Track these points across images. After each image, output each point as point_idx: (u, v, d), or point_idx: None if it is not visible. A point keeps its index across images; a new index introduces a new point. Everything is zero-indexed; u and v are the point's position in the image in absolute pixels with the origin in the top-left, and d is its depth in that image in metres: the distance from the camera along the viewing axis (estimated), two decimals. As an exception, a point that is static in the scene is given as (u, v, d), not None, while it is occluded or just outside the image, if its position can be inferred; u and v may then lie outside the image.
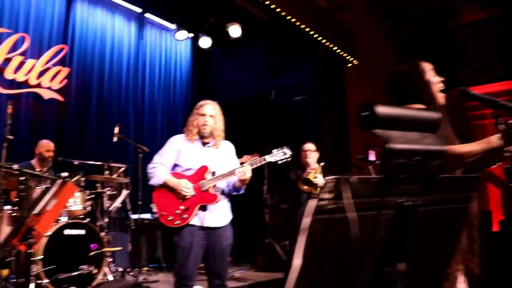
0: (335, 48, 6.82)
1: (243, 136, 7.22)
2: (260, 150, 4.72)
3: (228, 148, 3.57)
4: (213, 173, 3.34)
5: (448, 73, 8.76)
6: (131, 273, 5.24)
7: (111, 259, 5.15)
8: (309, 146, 5.06)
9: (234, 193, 3.46)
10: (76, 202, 4.70)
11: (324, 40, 6.51)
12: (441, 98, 2.25)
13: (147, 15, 7.72)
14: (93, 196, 5.16)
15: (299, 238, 0.99)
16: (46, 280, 3.96)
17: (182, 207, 3.28)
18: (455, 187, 1.25)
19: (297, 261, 1.00)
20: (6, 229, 4.48)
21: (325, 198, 0.98)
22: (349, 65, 7.37)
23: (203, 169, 3.33)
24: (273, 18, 5.84)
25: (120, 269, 5.23)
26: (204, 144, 3.44)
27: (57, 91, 6.36)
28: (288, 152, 3.67)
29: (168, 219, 3.27)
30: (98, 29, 7.01)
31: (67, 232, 4.29)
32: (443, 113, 2.25)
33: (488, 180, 8.84)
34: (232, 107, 8.21)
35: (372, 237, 1.12)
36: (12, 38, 5.92)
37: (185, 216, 3.26)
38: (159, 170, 3.36)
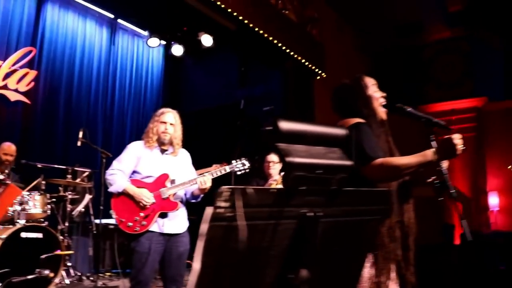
0: (304, 60, 6.95)
1: (213, 145, 7.33)
2: (228, 159, 4.80)
3: (185, 156, 3.63)
4: (173, 181, 3.40)
5: (416, 88, 9.03)
6: (90, 278, 5.22)
7: (71, 264, 5.13)
8: (272, 158, 5.11)
9: (192, 201, 3.52)
10: (36, 205, 4.67)
11: (293, 53, 6.64)
12: (382, 113, 2.34)
13: (120, 21, 7.74)
14: (54, 200, 5.14)
15: (198, 243, 1.06)
16: (-1, 284, 3.94)
17: (142, 214, 3.31)
18: (365, 200, 1.34)
19: (196, 265, 1.07)
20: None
21: (221, 206, 1.05)
22: (317, 77, 7.51)
23: (164, 176, 3.38)
24: (242, 29, 5.94)
25: (79, 274, 5.21)
26: (162, 151, 3.50)
27: (23, 93, 6.32)
28: (246, 164, 3.77)
29: (128, 225, 3.29)
30: (68, 33, 7.00)
31: (24, 235, 4.27)
32: (385, 127, 2.36)
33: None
34: (202, 116, 8.33)
35: (276, 244, 1.20)
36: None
37: (145, 223, 3.29)
38: (118, 177, 3.39)
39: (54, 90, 6.75)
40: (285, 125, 1.18)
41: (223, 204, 1.04)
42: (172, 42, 7.97)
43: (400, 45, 10.44)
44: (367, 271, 2.05)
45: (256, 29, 5.85)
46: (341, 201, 1.26)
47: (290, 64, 6.99)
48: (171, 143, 3.50)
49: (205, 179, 3.36)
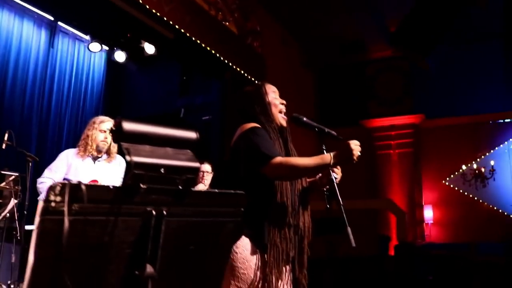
0: (243, 72, 7.03)
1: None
2: None
3: (120, 162, 3.62)
4: None
5: (359, 104, 9.27)
6: (11, 286, 5.04)
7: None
8: (206, 167, 5.00)
9: None
10: (-48, 210, 4.48)
11: (231, 63, 6.71)
12: (281, 119, 2.40)
13: (60, 23, 7.59)
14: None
15: (33, 236, 1.07)
16: None
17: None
18: (216, 201, 1.38)
19: (31, 257, 1.08)
20: None
21: (52, 200, 1.06)
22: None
23: (93, 183, 3.35)
24: (180, 38, 5.96)
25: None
26: (95, 159, 3.48)
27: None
28: (208, 166, 3.84)
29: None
30: (2, 32, 6.79)
31: None
32: (284, 134, 2.42)
33: (388, 207, 9.37)
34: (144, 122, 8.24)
35: (120, 241, 1.22)
36: None
37: None
38: (48, 185, 3.35)
39: (-16, 91, 6.53)
40: (128, 125, 1.21)
41: (54, 198, 1.05)
42: (115, 48, 7.90)
43: (344, 62, 10.75)
44: (259, 270, 2.10)
45: (193, 38, 5.88)
46: (190, 201, 1.30)
47: (229, 74, 7.06)
48: (107, 151, 3.51)
49: None
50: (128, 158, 1.16)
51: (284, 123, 2.41)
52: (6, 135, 5.17)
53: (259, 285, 2.09)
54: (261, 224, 2.12)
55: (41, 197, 3.42)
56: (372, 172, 10.33)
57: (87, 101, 8.09)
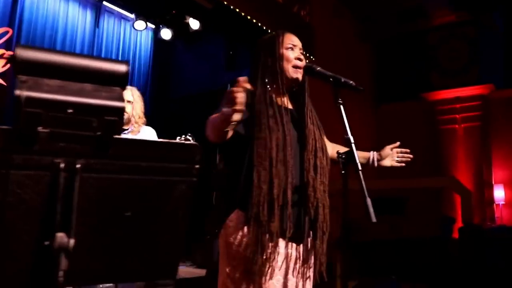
0: None
1: (199, 131, 7.10)
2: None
3: (148, 133, 3.46)
4: None
5: (420, 76, 8.59)
6: None
7: None
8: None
9: None
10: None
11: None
12: (292, 72, 2.05)
13: (105, 3, 7.56)
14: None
15: None
16: None
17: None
18: (159, 154, 1.09)
19: None
20: None
21: None
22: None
23: None
24: (219, 8, 5.68)
25: None
26: (121, 131, 3.34)
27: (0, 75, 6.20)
28: (190, 140, 3.56)
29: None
30: (49, 14, 6.84)
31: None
32: (295, 88, 2.08)
33: (451, 186, 8.66)
34: (189, 101, 8.11)
35: (21, 202, 0.95)
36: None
37: None
38: None
39: (32, 73, 6.61)
40: (25, 53, 0.93)
41: None
42: (161, 26, 7.83)
43: (403, 31, 10.01)
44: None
45: (232, 7, 5.58)
46: (116, 152, 1.01)
47: None
48: (129, 122, 3.33)
49: None
50: (17, 92, 0.89)
51: (297, 76, 2.05)
52: None
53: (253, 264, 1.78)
54: (245, 195, 1.83)
55: None
56: (435, 149, 9.61)
57: (134, 81, 8.04)
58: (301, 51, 2.11)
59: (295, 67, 2.04)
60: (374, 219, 1.66)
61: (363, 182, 1.71)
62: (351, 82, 1.92)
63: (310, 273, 1.96)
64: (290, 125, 1.95)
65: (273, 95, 2.00)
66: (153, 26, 8.07)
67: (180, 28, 7.71)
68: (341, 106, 1.86)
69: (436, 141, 9.73)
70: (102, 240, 1.05)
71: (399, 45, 10.28)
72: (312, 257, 1.95)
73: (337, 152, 1.86)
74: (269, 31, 6.34)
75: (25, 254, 0.99)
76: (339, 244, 4.06)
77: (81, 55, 1.02)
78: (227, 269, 1.84)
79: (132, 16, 7.67)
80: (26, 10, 6.58)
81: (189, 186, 1.12)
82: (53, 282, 0.96)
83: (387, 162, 2.20)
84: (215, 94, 7.54)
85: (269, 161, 1.82)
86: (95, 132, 0.97)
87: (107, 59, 1.03)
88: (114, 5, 7.68)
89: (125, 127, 3.36)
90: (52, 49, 0.99)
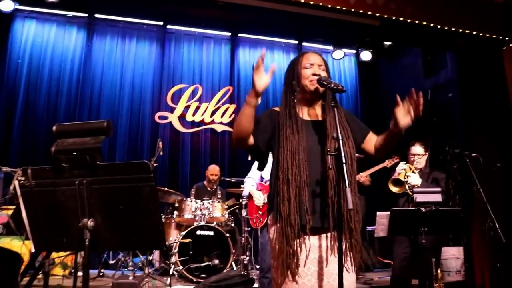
0: (475, 32, 6.13)
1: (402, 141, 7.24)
2: (402, 152, 4.96)
3: None
4: None
5: None
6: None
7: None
8: (417, 150, 4.68)
9: None
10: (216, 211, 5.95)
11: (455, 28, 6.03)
12: (310, 85, 2.37)
13: (305, 43, 8.65)
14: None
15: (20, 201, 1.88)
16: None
17: (260, 212, 4.37)
18: (125, 170, 1.86)
19: (24, 214, 1.88)
20: (174, 233, 6.10)
21: (20, 180, 1.83)
22: (504, 48, 6.49)
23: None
24: (385, 24, 5.92)
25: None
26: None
27: (227, 124, 7.90)
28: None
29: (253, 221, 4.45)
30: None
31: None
32: (317, 100, 2.44)
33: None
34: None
35: (68, 202, 1.88)
36: (189, 89, 7.81)
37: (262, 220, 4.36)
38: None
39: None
40: (59, 127, 1.88)
41: (22, 178, 1.83)
42: (359, 50, 8.46)
43: None
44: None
45: (394, 17, 5.73)
46: (104, 172, 1.84)
47: (460, 41, 6.34)
48: None
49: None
50: (52, 148, 1.83)
51: (314, 88, 2.37)
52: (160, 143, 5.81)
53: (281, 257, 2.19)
54: (272, 195, 2.32)
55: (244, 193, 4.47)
56: None
57: (343, 103, 8.77)
58: (321, 67, 2.40)
59: (311, 81, 2.36)
60: (350, 206, 1.96)
61: (345, 174, 2.00)
62: (340, 86, 2.19)
63: (348, 263, 2.17)
64: (307, 132, 2.32)
65: (299, 109, 2.38)
66: (354, 52, 8.78)
67: (376, 47, 8.20)
68: (335, 109, 2.19)
69: None
70: (109, 223, 1.89)
71: None
72: (348, 248, 2.17)
73: (327, 150, 2.19)
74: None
75: (72, 228, 1.90)
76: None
77: (88, 122, 1.91)
78: (272, 260, 2.34)
79: (329, 47, 8.52)
80: (242, 69, 8.19)
81: (152, 188, 1.85)
82: (83, 246, 1.84)
83: (403, 121, 2.30)
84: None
85: (286, 165, 2.25)
86: (90, 163, 1.83)
87: (99, 121, 1.88)
88: (311, 42, 8.68)
89: None
90: (75, 123, 1.91)
